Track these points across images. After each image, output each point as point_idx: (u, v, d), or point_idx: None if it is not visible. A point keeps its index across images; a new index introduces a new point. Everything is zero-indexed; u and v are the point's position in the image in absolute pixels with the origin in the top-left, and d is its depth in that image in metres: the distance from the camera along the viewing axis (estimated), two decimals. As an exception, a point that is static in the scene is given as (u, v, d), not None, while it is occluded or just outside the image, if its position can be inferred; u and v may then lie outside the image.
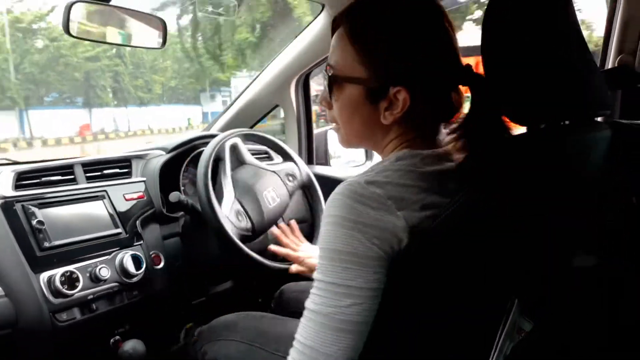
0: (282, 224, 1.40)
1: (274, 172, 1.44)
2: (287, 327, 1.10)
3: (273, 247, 1.29)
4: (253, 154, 1.46)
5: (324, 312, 0.67)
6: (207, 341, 1.08)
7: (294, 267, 1.29)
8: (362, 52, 0.74)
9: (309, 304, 0.69)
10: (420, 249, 0.66)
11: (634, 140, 0.77)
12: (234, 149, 1.40)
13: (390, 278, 0.67)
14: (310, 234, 1.46)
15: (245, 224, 1.28)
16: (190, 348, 1.10)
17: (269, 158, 1.71)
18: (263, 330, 1.09)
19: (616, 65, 1.47)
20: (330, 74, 0.77)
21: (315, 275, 0.69)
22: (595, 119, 0.80)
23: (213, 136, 1.36)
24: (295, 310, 1.26)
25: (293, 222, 1.42)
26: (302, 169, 1.52)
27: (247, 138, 1.47)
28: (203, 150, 1.29)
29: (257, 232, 1.32)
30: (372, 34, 0.73)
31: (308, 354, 0.67)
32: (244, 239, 1.23)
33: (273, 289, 1.46)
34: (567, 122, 0.72)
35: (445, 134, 0.79)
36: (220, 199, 1.28)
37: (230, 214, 1.24)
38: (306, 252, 1.33)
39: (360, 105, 0.76)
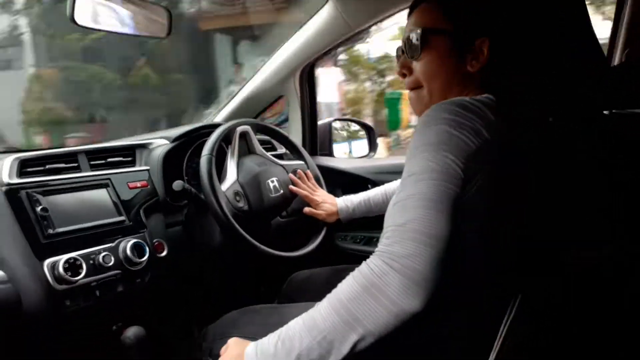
0: (299, 171, 1.48)
1: (282, 166, 1.45)
2: (286, 314, 1.11)
3: (293, 188, 1.43)
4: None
5: (412, 195, 0.68)
6: (213, 340, 1.09)
7: (308, 209, 1.43)
8: (448, 8, 0.83)
9: (396, 196, 0.71)
10: None
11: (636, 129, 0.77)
12: (244, 136, 1.40)
13: None
14: (309, 231, 1.47)
15: (242, 204, 1.28)
16: (197, 348, 1.11)
17: (272, 148, 1.71)
18: (263, 322, 1.10)
19: (622, 61, 1.46)
20: (419, 30, 0.84)
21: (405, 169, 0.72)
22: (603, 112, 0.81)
23: (217, 125, 1.36)
24: (302, 298, 1.28)
25: (308, 172, 1.51)
26: (311, 169, 1.53)
27: (259, 130, 1.47)
28: (206, 140, 1.29)
29: (254, 216, 1.32)
30: None
31: (404, 230, 0.66)
32: (239, 219, 1.24)
33: (277, 279, 1.47)
34: (575, 116, 0.72)
35: None
36: (222, 178, 1.29)
37: (228, 192, 1.26)
38: (322, 197, 1.46)
39: (448, 56, 0.83)
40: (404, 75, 0.92)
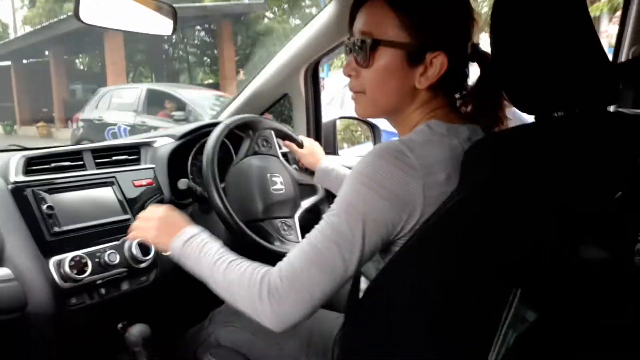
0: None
1: (284, 164, 1.45)
2: None
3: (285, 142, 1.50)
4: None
5: (317, 247, 0.74)
6: (218, 325, 1.11)
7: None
8: (403, 17, 0.77)
9: (311, 234, 0.78)
10: (425, 228, 0.70)
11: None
12: (248, 133, 1.40)
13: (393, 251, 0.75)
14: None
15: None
16: (203, 329, 1.12)
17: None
18: None
19: (630, 57, 1.46)
20: (369, 39, 0.78)
21: (325, 215, 0.77)
22: (607, 109, 0.80)
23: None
24: None
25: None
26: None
27: (260, 126, 1.47)
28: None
29: (264, 214, 1.32)
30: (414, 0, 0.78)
31: (300, 280, 0.74)
32: (248, 220, 1.23)
33: None
34: (576, 112, 0.72)
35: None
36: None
37: None
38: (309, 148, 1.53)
39: (397, 69, 0.79)
40: (349, 76, 0.86)
